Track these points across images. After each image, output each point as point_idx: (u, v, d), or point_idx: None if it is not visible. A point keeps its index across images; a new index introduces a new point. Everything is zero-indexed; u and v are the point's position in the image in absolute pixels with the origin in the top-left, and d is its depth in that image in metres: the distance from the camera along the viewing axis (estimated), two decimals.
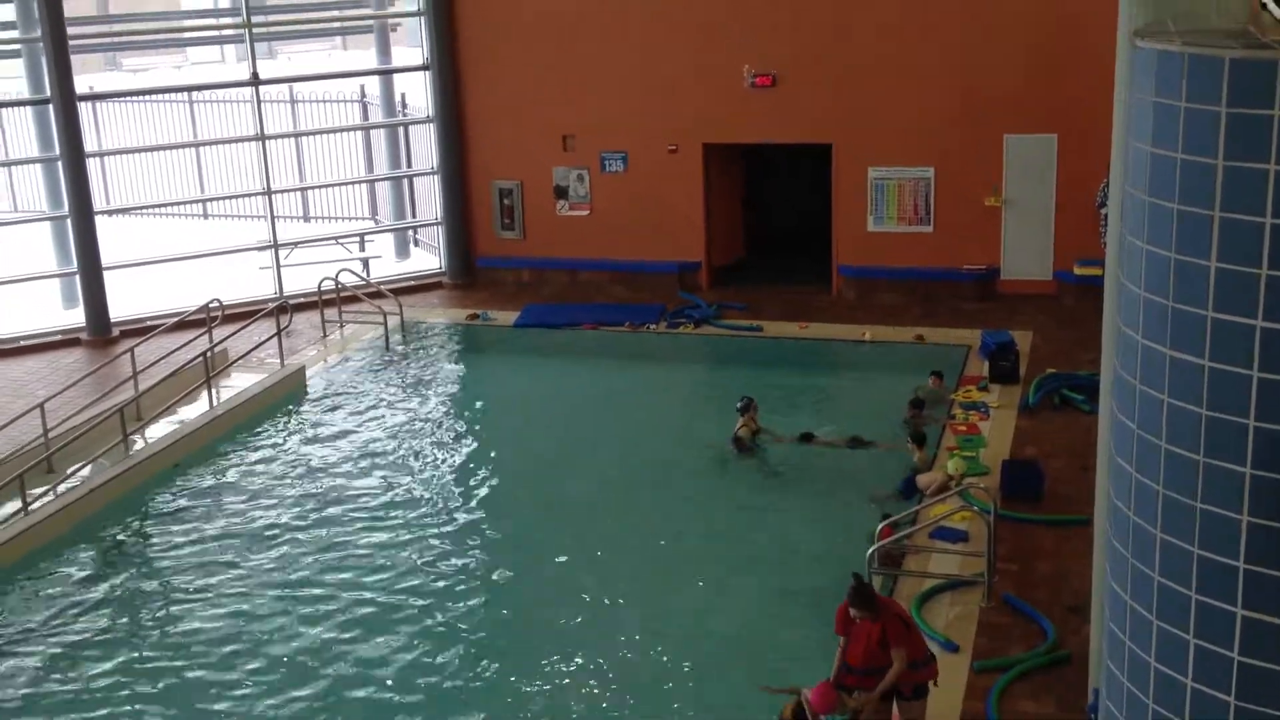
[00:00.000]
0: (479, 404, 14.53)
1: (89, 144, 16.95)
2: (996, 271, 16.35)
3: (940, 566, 9.64)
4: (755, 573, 10.07)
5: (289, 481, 12.22)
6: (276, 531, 11.17)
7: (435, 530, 11.12)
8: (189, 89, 23.07)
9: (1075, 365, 13.53)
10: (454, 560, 10.60)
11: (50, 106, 15.79)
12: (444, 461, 12.74)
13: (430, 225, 18.91)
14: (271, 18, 20.43)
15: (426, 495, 11.87)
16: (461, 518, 11.42)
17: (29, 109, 16.66)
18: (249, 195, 19.75)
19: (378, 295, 16.55)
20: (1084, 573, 8.45)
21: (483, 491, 12.09)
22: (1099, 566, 6.82)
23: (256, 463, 12.68)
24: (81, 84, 16.19)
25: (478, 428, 13.76)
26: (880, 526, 9.44)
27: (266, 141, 17.63)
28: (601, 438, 13.20)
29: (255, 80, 17.14)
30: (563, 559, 10.53)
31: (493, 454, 12.98)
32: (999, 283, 16.37)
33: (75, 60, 15.85)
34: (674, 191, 17.12)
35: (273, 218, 17.85)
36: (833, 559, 9.69)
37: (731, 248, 18.00)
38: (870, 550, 9.06)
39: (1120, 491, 4.60)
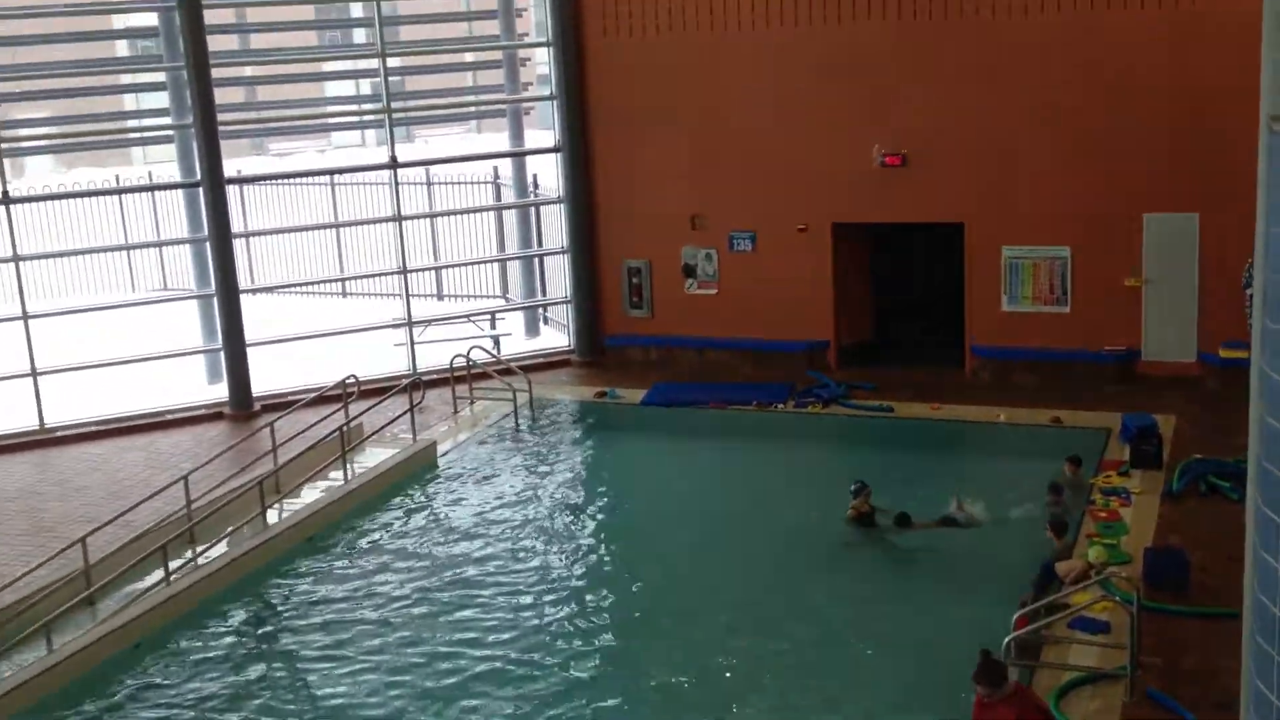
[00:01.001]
0: (605, 481, 14.55)
1: (235, 225, 17.56)
2: (1137, 353, 15.90)
3: (1080, 658, 9.28)
4: (881, 661, 9.83)
5: (420, 554, 12.37)
6: (407, 602, 11.32)
7: (560, 602, 11.17)
8: (331, 172, 23.84)
9: (1222, 451, 13.02)
10: (577, 631, 10.62)
11: (200, 189, 16.46)
12: (570, 536, 12.78)
13: (560, 303, 19.15)
14: (410, 103, 21.07)
15: (552, 568, 11.94)
16: (585, 591, 11.45)
17: (180, 192, 17.36)
18: (385, 274, 20.28)
19: (508, 372, 16.77)
20: (1234, 669, 8.05)
21: (606, 566, 12.11)
22: (1246, 664, 6.50)
23: (388, 535, 12.87)
24: (230, 167, 16.84)
25: (603, 504, 13.78)
26: (1016, 615, 9.15)
27: (403, 222, 18.13)
28: (725, 517, 13.10)
29: (394, 163, 17.65)
30: (682, 633, 10.45)
31: (617, 530, 12.97)
32: (1140, 365, 15.91)
33: (224, 145, 16.53)
34: (802, 270, 17.09)
35: (408, 296, 18.28)
36: (962, 647, 9.41)
37: (860, 327, 17.85)
38: (1006, 640, 8.78)
39: (1266, 587, 4.40)
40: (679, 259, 17.76)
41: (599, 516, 13.40)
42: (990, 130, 15.94)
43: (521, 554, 12.25)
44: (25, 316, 15.92)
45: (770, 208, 17.14)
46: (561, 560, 12.21)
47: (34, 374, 15.92)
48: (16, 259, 16.01)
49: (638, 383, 16.97)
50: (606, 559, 12.32)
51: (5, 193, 15.82)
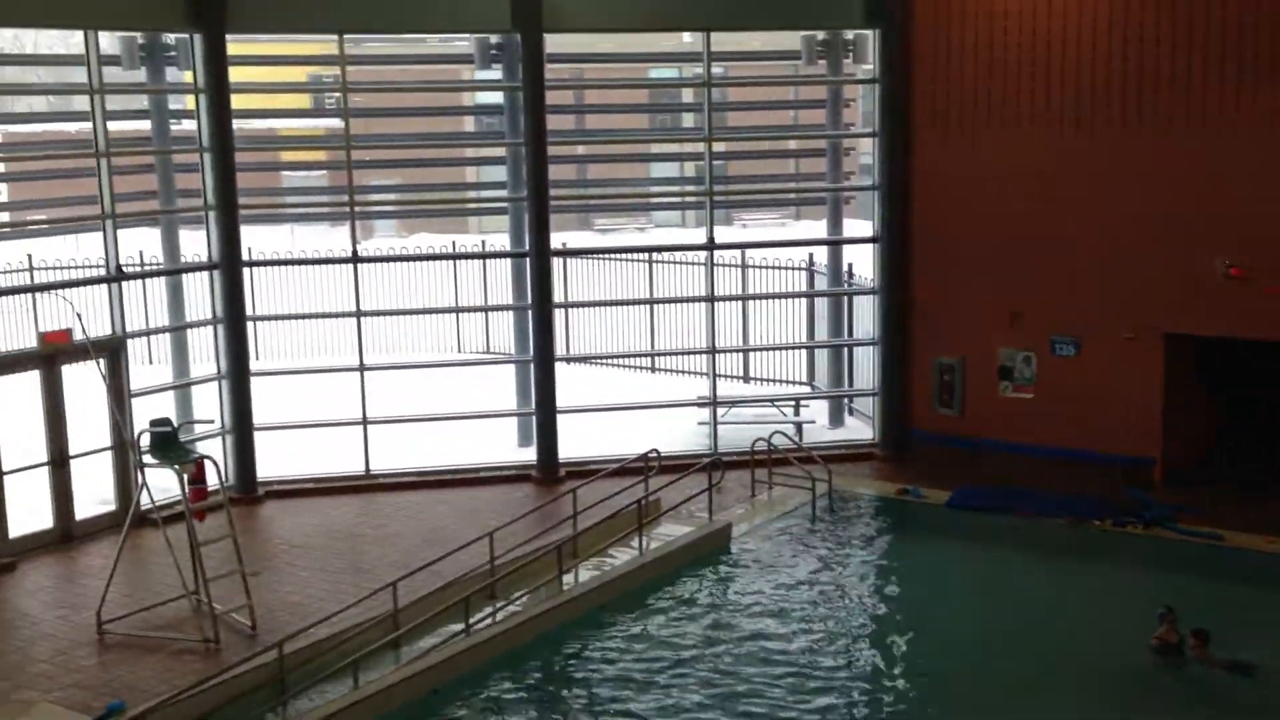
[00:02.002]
0: (900, 582, 14.10)
1: (556, 295, 18.22)
2: None
3: None
4: None
5: (705, 634, 12.35)
6: (690, 680, 11.30)
7: (838, 699, 10.92)
8: (650, 249, 24.47)
9: None
10: None
11: (527, 259, 17.19)
12: (856, 635, 12.49)
13: (866, 395, 18.87)
14: (732, 188, 21.39)
15: (834, 664, 11.69)
16: (864, 693, 11.13)
17: (509, 260, 18.16)
18: (695, 353, 20.55)
19: (809, 460, 16.59)
20: None
21: (890, 670, 11.74)
22: None
23: (677, 612, 12.91)
24: (556, 240, 17.52)
25: (895, 606, 13.37)
26: None
27: (716, 303, 18.36)
28: (1023, 635, 12.44)
29: (711, 244, 17.93)
30: None
31: (907, 635, 12.53)
32: None
33: (553, 218, 17.22)
34: (1129, 381, 16.19)
35: (714, 375, 18.44)
36: None
37: (1191, 445, 16.68)
38: None
39: None
40: (994, 359, 17.19)
41: (889, 618, 13.01)
42: None
43: (806, 645, 12.04)
44: (361, 368, 16.98)
45: (1097, 313, 16.38)
46: (843, 657, 11.94)
47: (364, 422, 16.93)
48: (359, 314, 17.13)
49: (942, 483, 16.44)
50: (890, 663, 11.92)
51: (355, 252, 17.00)
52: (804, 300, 22.14)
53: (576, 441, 17.48)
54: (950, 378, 17.54)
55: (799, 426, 18.86)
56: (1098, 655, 11.73)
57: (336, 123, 18.65)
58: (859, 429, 19.20)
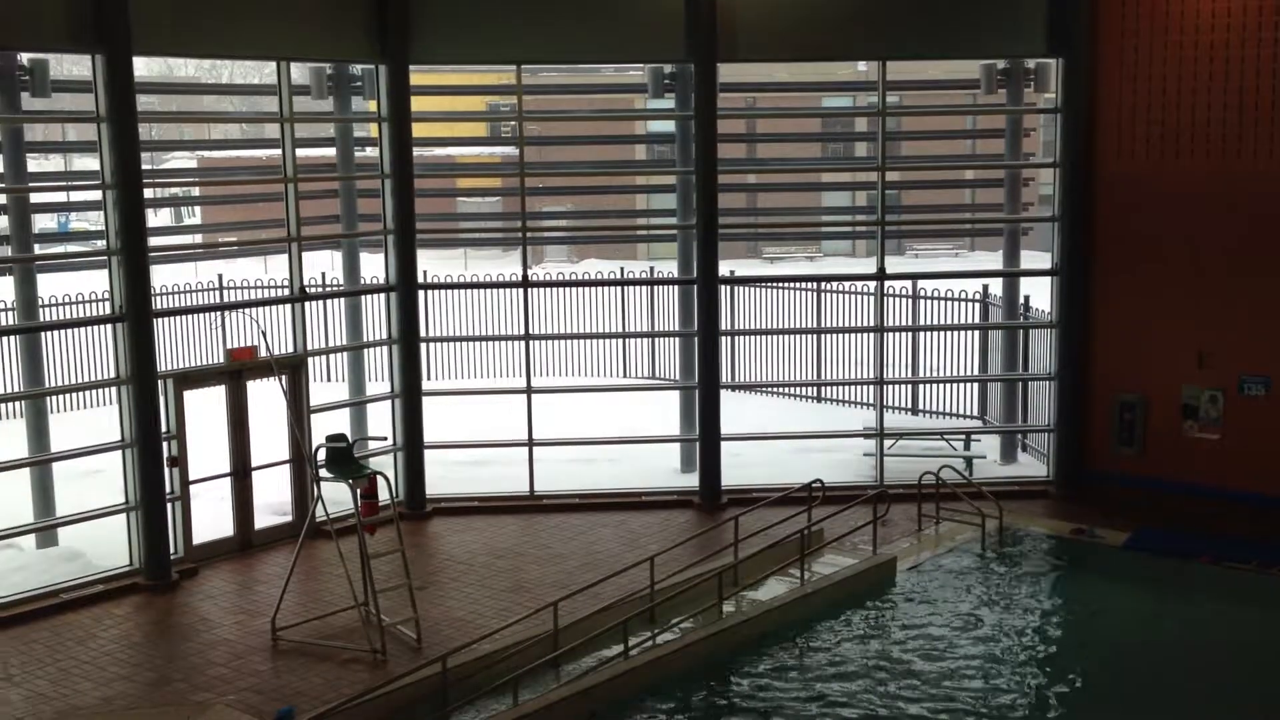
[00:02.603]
0: (1071, 625, 13.60)
1: (723, 322, 18.20)
2: None
3: None
4: None
5: (866, 668, 12.13)
6: (848, 714, 11.11)
7: None
8: (819, 279, 24.26)
9: None
10: None
11: (694, 287, 17.22)
12: (1021, 677, 12.08)
13: (1041, 431, 18.32)
14: (905, 217, 21.09)
15: (1000, 705, 11.31)
16: None
17: (676, 287, 18.21)
18: (862, 383, 20.29)
19: (978, 496, 16.17)
20: None
21: (1056, 715, 11.29)
22: None
23: (837, 644, 12.72)
24: (724, 267, 17.52)
25: (1065, 649, 12.89)
26: None
27: (885, 333, 18.09)
28: (1202, 686, 11.91)
29: (881, 275, 17.67)
30: None
31: (1076, 680, 12.08)
32: None
33: (721, 246, 17.20)
34: None
35: (881, 406, 18.16)
36: None
37: None
38: None
39: None
40: (1178, 398, 16.50)
41: (1058, 662, 12.54)
42: None
43: (969, 684, 11.70)
44: (529, 390, 17.24)
45: None
46: (1008, 699, 11.54)
47: (530, 444, 17.17)
48: (528, 337, 17.41)
49: (1119, 524, 15.82)
50: (1055, 710, 11.48)
51: (525, 277, 17.31)
52: (977, 333, 21.67)
53: (740, 469, 17.40)
54: (1131, 416, 16.90)
55: (969, 461, 18.41)
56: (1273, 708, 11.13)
57: (511, 150, 19.07)
58: (1032, 466, 18.65)
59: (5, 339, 20.09)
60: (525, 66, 17.14)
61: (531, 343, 17.48)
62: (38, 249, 15.25)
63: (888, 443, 18.13)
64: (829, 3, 16.71)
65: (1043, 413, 18.30)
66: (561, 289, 24.40)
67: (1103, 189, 16.95)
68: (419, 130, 16.64)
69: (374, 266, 17.35)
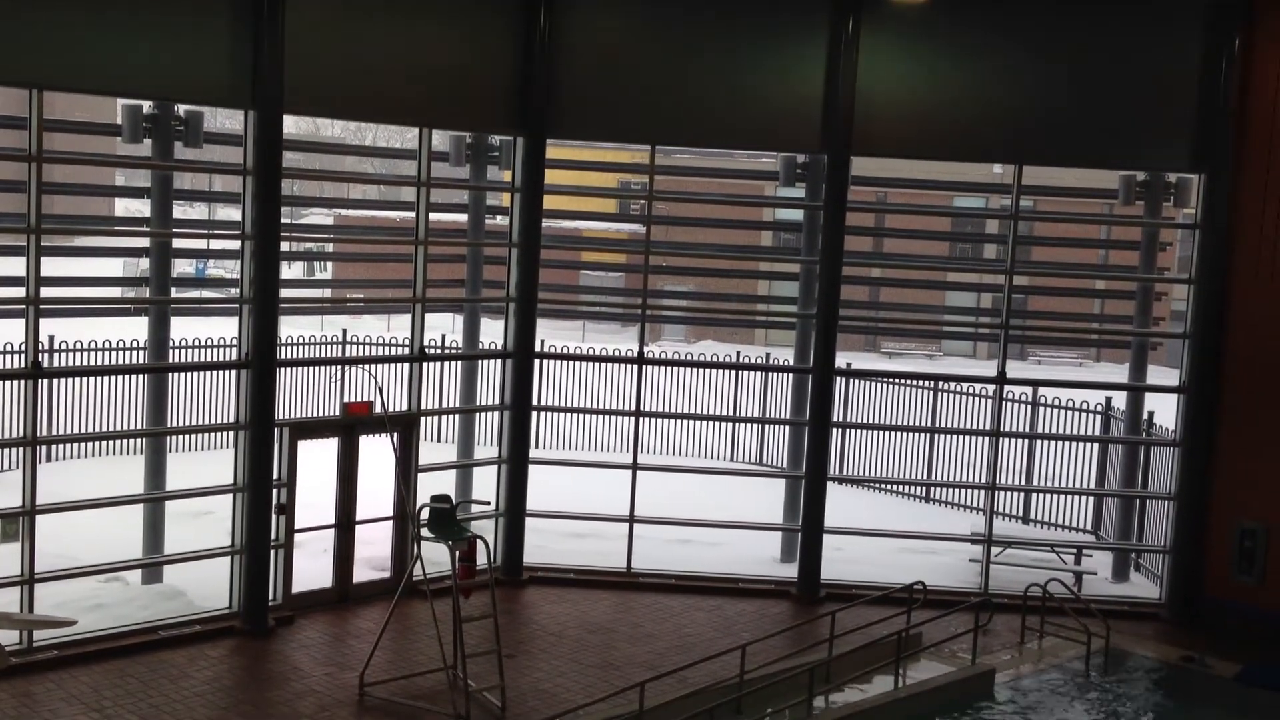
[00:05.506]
0: None
1: (835, 414, 18.04)
2: None
3: None
4: None
5: None
6: None
7: None
8: (938, 378, 23.97)
9: None
10: None
11: (809, 376, 17.12)
12: None
13: (1157, 551, 17.72)
14: (1030, 323, 20.75)
15: None
16: None
17: (790, 375, 18.14)
18: (974, 487, 19.89)
19: (1086, 613, 15.65)
20: None
21: None
22: None
23: None
24: (841, 359, 17.40)
25: None
26: None
27: (1001, 439, 17.74)
28: None
29: (1001, 379, 17.36)
30: None
31: None
32: None
33: (841, 337, 17.13)
34: None
35: (991, 513, 17.76)
36: None
37: None
38: None
39: None
40: None
41: None
42: None
43: None
44: (635, 467, 17.24)
45: None
46: None
47: (631, 520, 17.14)
48: (638, 414, 17.45)
49: (1233, 655, 15.17)
50: None
51: (641, 353, 17.39)
52: (1096, 445, 21.12)
53: (841, 563, 17.12)
54: (1252, 544, 16.27)
55: (1079, 576, 17.86)
56: None
57: (638, 227, 19.30)
58: (1145, 586, 18.02)
59: (134, 377, 20.75)
60: (659, 147, 17.35)
61: (641, 419, 17.52)
62: (174, 292, 15.79)
63: (995, 550, 17.69)
64: (968, 102, 16.63)
65: (1159, 533, 17.70)
66: (676, 368, 24.45)
67: (1237, 309, 16.50)
68: (550, 202, 16.93)
69: (493, 332, 17.60)
